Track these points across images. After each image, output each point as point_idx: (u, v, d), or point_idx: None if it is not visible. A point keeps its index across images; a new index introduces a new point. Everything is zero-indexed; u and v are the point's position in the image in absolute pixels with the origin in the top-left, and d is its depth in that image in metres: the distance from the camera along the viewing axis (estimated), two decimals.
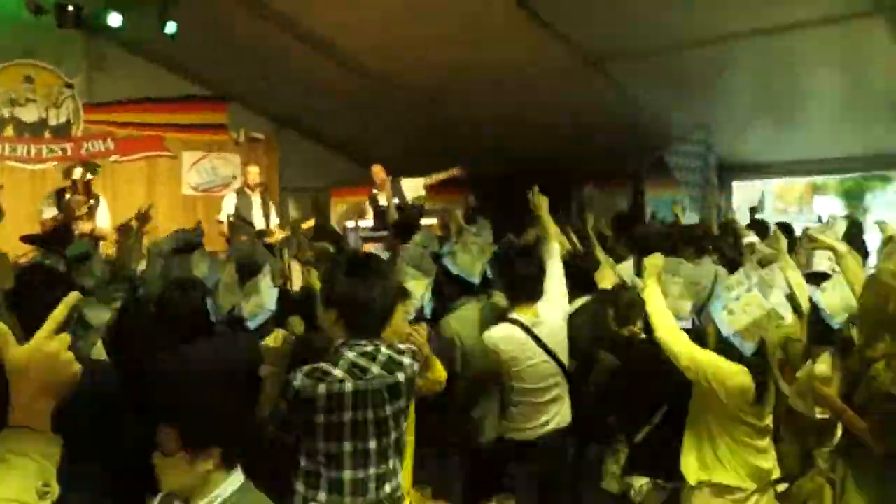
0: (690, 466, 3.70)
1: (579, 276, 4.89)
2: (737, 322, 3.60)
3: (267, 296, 4.03)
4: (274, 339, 3.21)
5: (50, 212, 7.26)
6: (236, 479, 2.51)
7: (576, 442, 4.51)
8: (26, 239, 7.31)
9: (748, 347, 3.59)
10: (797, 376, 3.67)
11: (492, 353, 4.23)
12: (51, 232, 7.07)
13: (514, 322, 4.23)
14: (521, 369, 4.22)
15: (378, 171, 9.42)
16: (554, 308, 4.38)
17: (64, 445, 1.52)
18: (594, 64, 8.04)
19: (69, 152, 9.91)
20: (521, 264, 4.40)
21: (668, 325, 3.73)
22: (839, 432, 3.75)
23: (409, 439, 3.36)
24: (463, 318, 4.52)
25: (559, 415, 4.32)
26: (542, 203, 4.65)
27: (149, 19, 8.79)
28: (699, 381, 3.59)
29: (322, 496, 2.83)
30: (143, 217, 5.64)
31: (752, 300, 3.63)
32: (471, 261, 4.73)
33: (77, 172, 7.40)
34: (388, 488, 2.92)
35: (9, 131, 9.91)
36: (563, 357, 4.34)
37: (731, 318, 3.62)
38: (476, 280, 4.73)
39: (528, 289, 4.33)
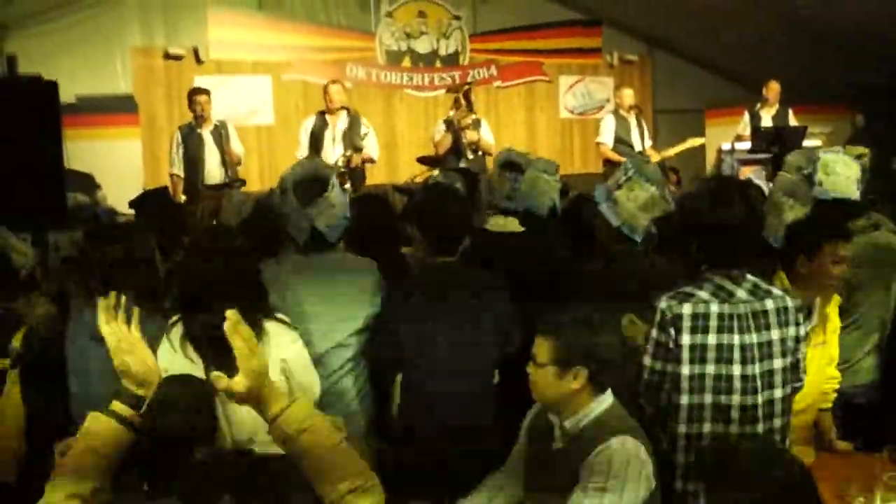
0: None
1: None
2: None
3: None
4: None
5: (440, 134, 7.92)
6: (605, 399, 2.59)
7: None
8: (423, 160, 8.10)
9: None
10: None
11: None
12: (445, 153, 7.73)
13: None
14: None
15: (772, 86, 9.00)
16: None
17: None
18: None
19: (457, 80, 10.62)
20: None
21: None
22: None
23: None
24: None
25: None
26: None
27: None
28: None
29: (681, 428, 2.83)
30: None
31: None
32: (837, 180, 4.11)
33: (459, 89, 8.04)
34: (760, 427, 2.82)
35: (406, 62, 10.84)
36: None
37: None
38: (856, 196, 4.09)
39: None
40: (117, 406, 2.15)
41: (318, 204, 3.35)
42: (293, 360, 2.91)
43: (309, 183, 3.41)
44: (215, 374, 1.85)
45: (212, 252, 2.87)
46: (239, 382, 1.84)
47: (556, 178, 4.66)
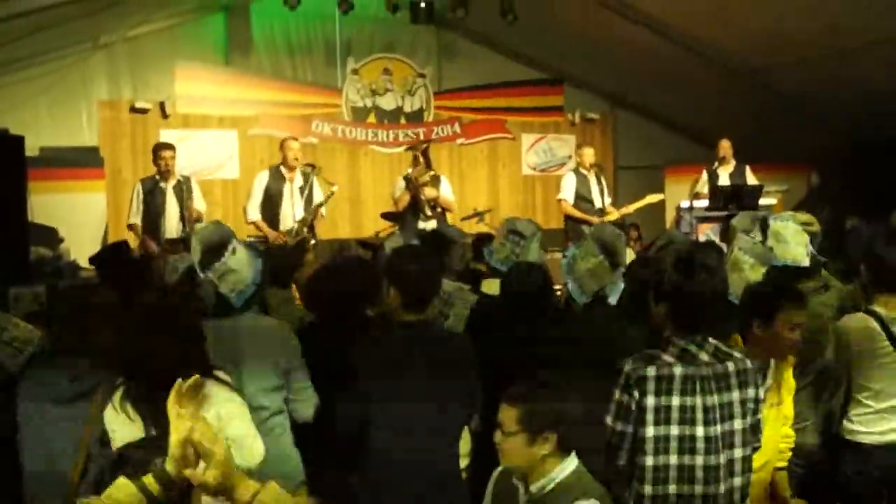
0: None
1: None
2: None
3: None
4: None
5: (399, 190, 7.98)
6: (571, 462, 2.64)
7: None
8: (386, 216, 8.18)
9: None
10: None
11: (842, 345, 3.88)
12: (404, 210, 7.80)
13: (871, 313, 3.84)
14: (865, 366, 3.82)
15: (723, 145, 9.18)
16: None
17: None
18: None
19: (421, 136, 10.73)
20: (890, 250, 3.89)
21: None
22: None
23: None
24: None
25: None
26: None
27: (492, 11, 9.37)
28: None
29: (647, 489, 2.88)
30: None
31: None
32: (787, 248, 4.29)
33: (418, 147, 8.20)
34: (722, 487, 2.88)
35: (371, 118, 10.94)
36: None
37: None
38: (806, 262, 4.28)
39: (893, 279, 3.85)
40: (149, 481, 1.96)
41: (217, 269, 3.42)
42: (237, 435, 2.84)
43: (210, 248, 3.48)
44: (188, 471, 1.85)
45: (155, 316, 2.89)
46: (210, 475, 1.83)
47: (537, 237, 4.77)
